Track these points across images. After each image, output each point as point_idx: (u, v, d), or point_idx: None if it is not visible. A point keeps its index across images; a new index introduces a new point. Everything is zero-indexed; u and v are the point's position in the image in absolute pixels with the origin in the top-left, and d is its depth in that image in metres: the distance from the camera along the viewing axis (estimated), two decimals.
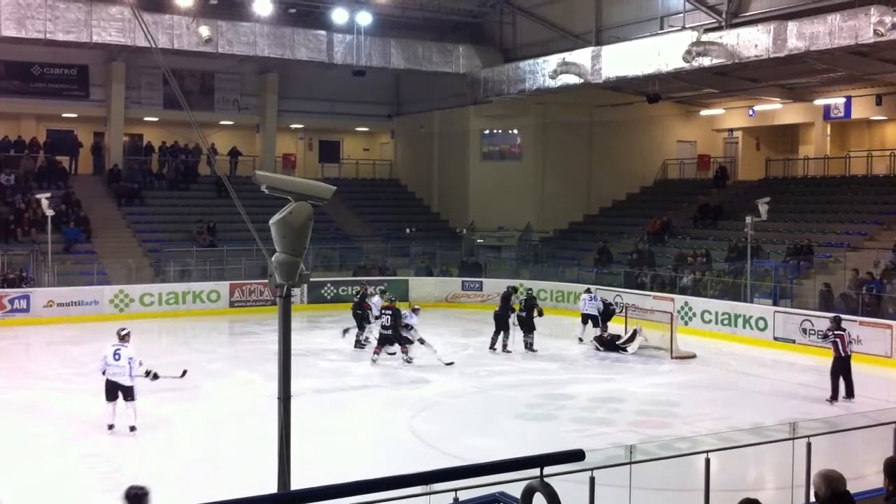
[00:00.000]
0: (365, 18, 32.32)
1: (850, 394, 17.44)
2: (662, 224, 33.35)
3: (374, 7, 32.63)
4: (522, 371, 20.68)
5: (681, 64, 26.81)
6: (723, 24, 26.39)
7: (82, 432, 14.77)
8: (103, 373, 14.71)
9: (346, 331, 23.14)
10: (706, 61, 26.33)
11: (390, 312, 21.11)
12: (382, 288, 24.90)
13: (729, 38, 25.66)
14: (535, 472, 5.40)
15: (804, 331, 22.75)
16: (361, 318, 23.09)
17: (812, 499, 5.86)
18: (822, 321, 22.47)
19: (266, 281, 26.63)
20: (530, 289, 25.86)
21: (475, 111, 37.57)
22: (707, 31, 26.41)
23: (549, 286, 30.21)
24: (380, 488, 5.20)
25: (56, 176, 34.35)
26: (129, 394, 14.61)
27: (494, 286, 31.56)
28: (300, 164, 41.10)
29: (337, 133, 43.13)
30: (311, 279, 27.14)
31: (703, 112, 39.13)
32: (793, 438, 9.44)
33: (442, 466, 5.85)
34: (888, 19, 21.80)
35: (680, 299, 26.55)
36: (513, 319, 22.80)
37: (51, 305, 27.24)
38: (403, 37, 34.34)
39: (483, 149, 38.59)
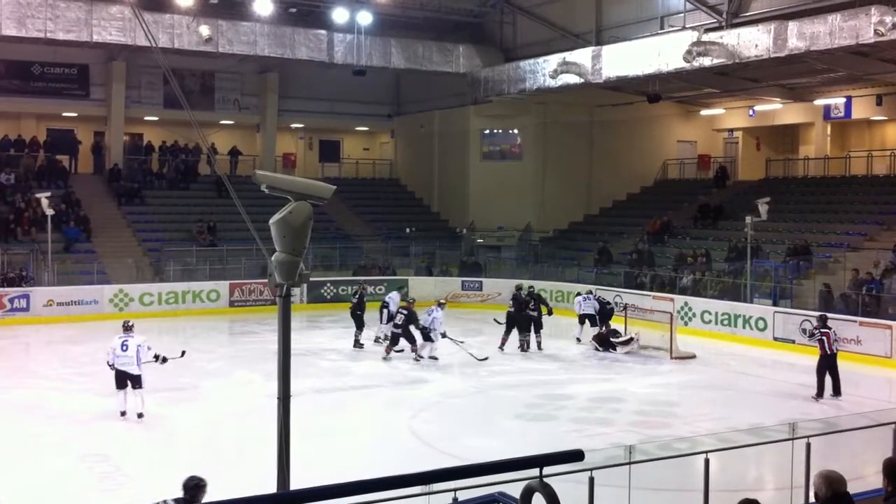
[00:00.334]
0: (365, 18, 32.31)
1: (836, 391, 17.55)
2: (662, 224, 33.34)
3: (375, 7, 32.62)
4: (522, 371, 20.68)
5: (681, 64, 26.80)
6: (723, 23, 26.38)
7: (82, 432, 14.77)
8: (111, 365, 15.44)
9: (377, 339, 23.16)
10: (706, 61, 26.32)
11: (406, 313, 21.41)
12: (401, 286, 25.32)
13: (729, 37, 25.65)
14: (535, 472, 5.40)
15: (804, 331, 22.72)
16: (361, 319, 23.13)
17: (812, 499, 5.86)
18: None
19: (266, 280, 26.62)
20: (532, 286, 25.81)
21: (475, 111, 37.56)
22: (707, 30, 26.40)
23: (549, 286, 30.18)
24: (379, 488, 5.20)
25: (56, 175, 34.34)
26: (137, 382, 15.35)
27: (494, 286, 31.62)
28: (300, 164, 41.10)
29: (337, 133, 43.14)
30: (311, 279, 27.16)
31: (704, 112, 39.13)
32: (792, 439, 9.44)
33: (441, 466, 5.85)
34: (888, 19, 21.79)
35: (680, 299, 26.55)
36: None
37: (51, 305, 27.24)
38: (404, 36, 34.33)
39: (483, 148, 38.59)
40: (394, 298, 23.18)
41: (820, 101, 33.78)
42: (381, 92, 41.27)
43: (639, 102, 33.70)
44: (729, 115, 38.66)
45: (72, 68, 35.44)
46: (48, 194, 28.82)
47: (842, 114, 33.42)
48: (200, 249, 31.92)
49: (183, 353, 16.35)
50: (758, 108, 36.42)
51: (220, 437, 14.65)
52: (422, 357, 21.19)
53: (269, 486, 6.17)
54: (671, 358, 21.78)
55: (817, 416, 15.16)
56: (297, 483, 5.89)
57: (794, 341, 22.96)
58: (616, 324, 23.81)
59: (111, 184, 35.11)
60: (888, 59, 26.25)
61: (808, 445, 9.12)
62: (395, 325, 21.55)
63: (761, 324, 24.17)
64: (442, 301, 22.67)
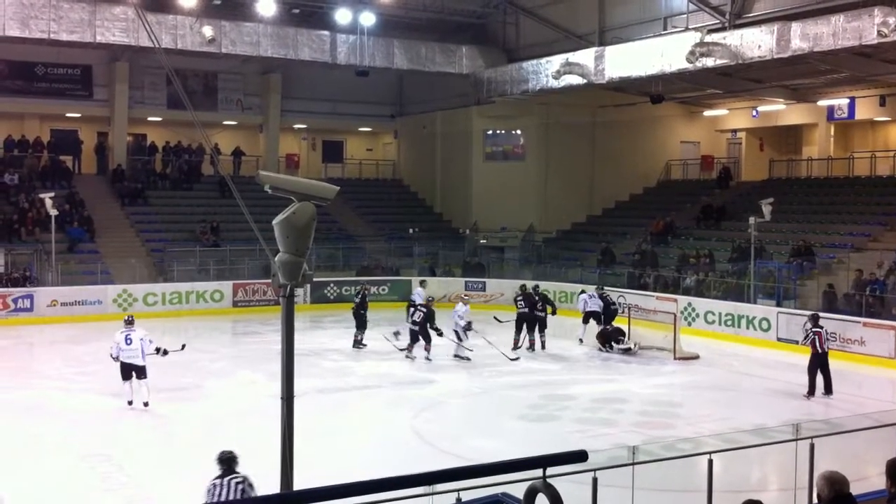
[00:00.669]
0: (368, 19, 32.33)
1: (828, 390, 17.65)
2: (665, 225, 33.31)
3: (378, 7, 32.63)
4: (525, 371, 20.66)
5: (684, 64, 26.79)
6: (726, 24, 26.36)
7: (85, 432, 14.80)
8: (115, 358, 16.19)
9: (396, 333, 23.21)
10: (709, 62, 26.31)
11: (424, 311, 21.57)
12: (422, 281, 25.96)
13: (732, 38, 25.64)
14: (538, 472, 5.39)
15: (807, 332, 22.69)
16: (363, 319, 23.16)
17: (815, 500, 5.85)
18: (825, 322, 22.41)
19: (269, 281, 26.66)
20: (537, 285, 25.77)
21: (478, 111, 37.56)
22: (710, 31, 26.39)
23: (552, 287, 30.14)
24: (382, 488, 5.20)
25: (60, 175, 34.39)
26: (142, 373, 16.11)
27: (498, 286, 31.59)
28: (303, 165, 41.12)
29: (340, 133, 43.15)
30: (314, 279, 27.13)
31: (707, 113, 39.10)
32: (796, 440, 9.44)
33: (444, 467, 5.85)
34: (892, 20, 21.76)
35: (683, 300, 26.51)
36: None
37: (54, 305, 27.28)
38: (407, 37, 34.33)
39: (486, 149, 38.60)
40: (420, 294, 23.41)
41: (823, 102, 33.75)
42: (384, 93, 41.28)
43: (642, 103, 33.69)
44: (732, 116, 38.63)
45: (75, 69, 35.49)
46: (52, 195, 28.86)
47: (845, 115, 33.39)
48: (204, 250, 31.95)
49: (183, 346, 17.34)
50: (761, 108, 36.38)
51: (223, 437, 14.60)
52: (430, 359, 21.30)
53: (273, 486, 6.18)
54: (675, 358, 21.76)
55: (821, 417, 15.15)
56: (300, 483, 5.89)
57: (797, 342, 22.88)
58: (619, 324, 23.78)
59: (115, 184, 35.15)
60: (891, 59, 26.23)
61: (812, 446, 9.11)
62: (414, 323, 21.67)
63: (765, 324, 24.15)
64: (465, 296, 22.72)
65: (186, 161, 37.39)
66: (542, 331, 23.15)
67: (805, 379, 17.85)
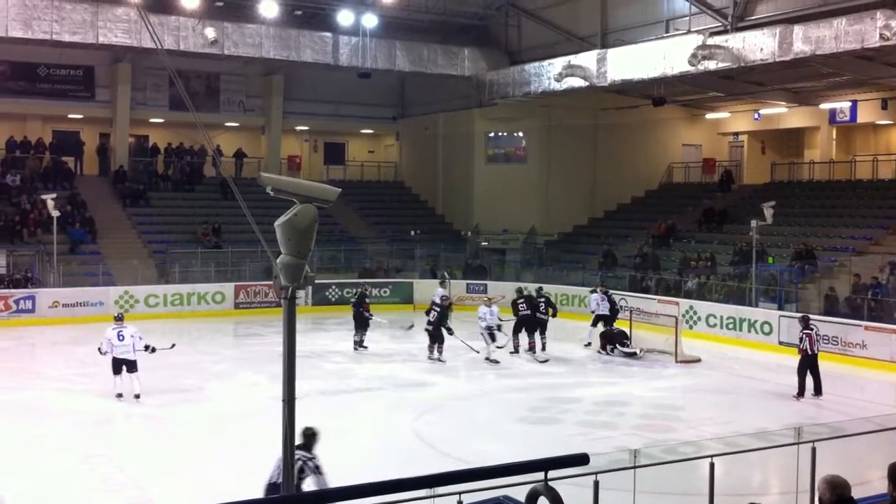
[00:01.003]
0: (370, 21, 32.35)
1: (817, 391, 17.79)
2: (667, 228, 33.30)
3: (380, 9, 32.66)
4: (527, 374, 20.66)
5: (686, 67, 26.80)
6: (728, 27, 26.36)
7: (86, 433, 14.81)
8: (103, 353, 17.02)
9: (410, 326, 23.30)
10: (712, 65, 26.32)
11: (438, 311, 21.75)
12: (442, 280, 26.26)
13: (734, 41, 25.64)
14: (540, 475, 5.39)
15: (819, 337, 22.67)
16: (364, 320, 23.16)
17: None
18: (827, 326, 22.49)
19: (271, 283, 26.69)
20: (540, 287, 25.74)
21: (480, 114, 37.56)
22: (713, 34, 26.41)
23: (554, 289, 30.08)
24: (383, 491, 5.19)
25: (62, 177, 34.42)
26: (133, 367, 16.87)
27: (499, 289, 31.55)
28: (305, 166, 41.14)
29: (342, 135, 43.16)
30: (316, 281, 27.17)
31: (709, 115, 39.10)
32: (798, 443, 9.43)
33: (446, 469, 5.84)
34: (894, 23, 21.76)
35: (685, 303, 26.48)
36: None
37: (56, 306, 27.28)
38: (409, 39, 34.35)
39: (488, 151, 38.60)
40: (440, 294, 23.70)
41: (825, 105, 33.75)
42: (385, 94, 41.31)
43: (644, 106, 33.70)
44: (734, 119, 38.63)
45: (77, 70, 35.52)
46: (54, 196, 28.87)
47: (847, 118, 33.38)
48: (205, 251, 31.95)
49: (173, 345, 18.10)
50: (763, 111, 36.37)
51: (225, 439, 14.65)
52: (442, 360, 21.40)
53: None
54: (676, 362, 21.74)
55: (822, 421, 15.13)
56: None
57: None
58: (621, 327, 23.77)
59: (116, 185, 35.17)
60: (893, 63, 26.21)
61: (814, 450, 9.09)
62: (429, 323, 21.75)
63: (766, 328, 24.13)
64: (487, 298, 22.69)
65: (188, 162, 37.42)
66: (542, 333, 23.13)
67: (810, 383, 17.88)
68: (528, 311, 23.05)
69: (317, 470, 8.84)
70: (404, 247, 35.70)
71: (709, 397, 18.60)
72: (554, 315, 23.61)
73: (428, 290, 32.08)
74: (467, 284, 32.40)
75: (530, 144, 38.18)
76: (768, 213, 25.30)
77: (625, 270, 30.77)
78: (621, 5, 31.27)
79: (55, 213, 28.16)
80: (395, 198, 41.27)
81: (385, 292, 31.43)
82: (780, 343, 23.50)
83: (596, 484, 7.34)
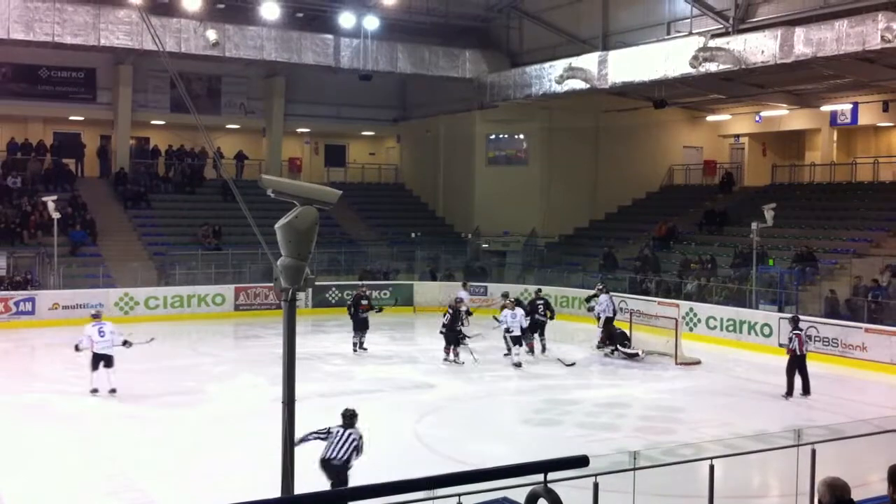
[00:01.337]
0: (372, 23, 32.34)
1: (806, 391, 18.04)
2: (668, 230, 33.29)
3: (381, 11, 32.65)
4: (527, 376, 20.65)
5: (687, 69, 26.79)
6: (730, 29, 26.36)
7: (86, 435, 14.82)
8: (77, 348, 17.70)
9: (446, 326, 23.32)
10: (713, 67, 26.31)
11: (451, 312, 21.78)
12: (465, 282, 26.28)
13: (736, 43, 25.64)
14: (539, 477, 5.40)
15: (809, 337, 22.67)
16: (359, 322, 23.17)
17: None
18: (827, 328, 22.51)
19: (271, 285, 26.70)
20: (539, 289, 25.77)
21: (481, 116, 37.57)
22: (714, 36, 26.40)
23: (555, 291, 30.14)
24: (383, 493, 5.20)
25: (62, 179, 34.43)
26: (110, 362, 17.50)
27: (500, 291, 31.55)
28: (306, 168, 41.16)
29: (343, 137, 43.18)
30: (316, 283, 27.19)
31: (710, 118, 39.11)
32: (797, 445, 9.44)
33: (446, 471, 5.85)
34: (895, 25, 21.77)
35: (685, 305, 26.48)
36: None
37: (56, 308, 27.28)
38: (410, 41, 34.35)
39: (489, 153, 38.61)
40: (464, 298, 23.61)
41: (826, 108, 33.76)
42: (387, 96, 41.32)
43: (645, 108, 33.70)
44: (735, 121, 38.64)
45: (79, 72, 35.55)
46: (54, 198, 28.90)
47: (848, 120, 33.39)
48: (206, 253, 31.95)
49: (151, 339, 18.65)
50: (764, 113, 36.39)
51: (225, 441, 14.66)
52: (459, 362, 21.40)
53: (274, 490, 6.19)
54: (676, 364, 21.75)
55: (822, 423, 15.13)
56: (301, 487, 5.90)
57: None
58: (621, 328, 23.79)
59: (117, 187, 35.18)
60: (895, 65, 26.21)
61: (813, 452, 9.10)
62: (443, 325, 21.75)
63: (766, 330, 24.12)
64: (510, 300, 22.60)
65: (189, 164, 37.45)
66: (541, 335, 23.18)
67: (811, 385, 17.90)
68: (537, 315, 23.13)
69: (361, 444, 10.62)
70: (405, 249, 35.71)
71: (709, 399, 18.60)
72: (552, 317, 23.63)
73: (428, 291, 32.26)
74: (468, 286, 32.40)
75: (531, 146, 38.19)
76: (769, 215, 25.31)
77: (625, 272, 30.78)
78: (622, 8, 31.28)
79: (56, 215, 28.17)
80: (396, 200, 41.27)
81: (385, 294, 31.43)
82: (781, 345, 23.32)
83: (596, 486, 7.35)
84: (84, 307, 27.52)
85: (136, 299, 28.48)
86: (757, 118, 36.93)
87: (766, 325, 24.17)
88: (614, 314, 24.32)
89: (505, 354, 22.02)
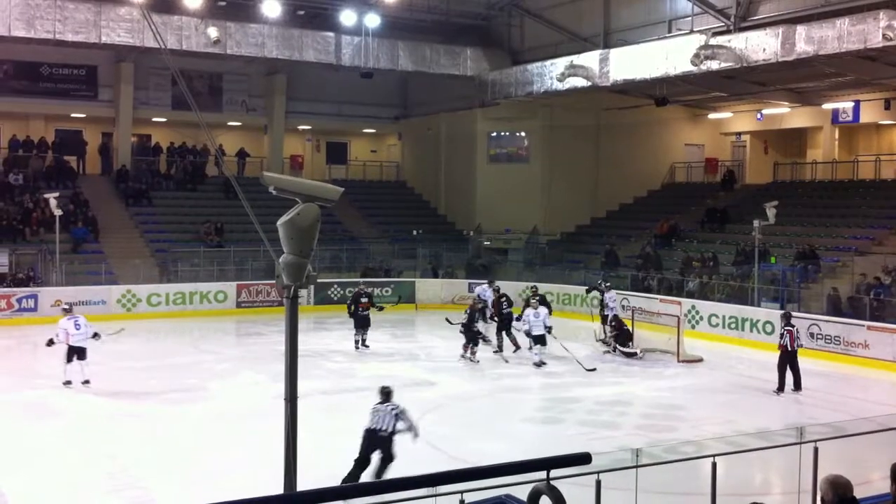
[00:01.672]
0: (373, 20, 32.32)
1: (797, 386, 18.21)
2: (670, 227, 33.29)
3: (383, 9, 32.63)
4: (529, 374, 20.65)
5: (689, 67, 26.77)
6: (731, 27, 26.34)
7: (88, 432, 14.83)
8: (51, 343, 17.98)
9: (485, 339, 23.25)
10: (714, 65, 26.29)
11: (468, 311, 21.77)
12: (490, 280, 26.11)
13: (737, 41, 25.62)
14: (542, 475, 5.40)
15: (811, 335, 22.69)
16: (359, 319, 23.17)
17: None
18: (829, 325, 22.51)
19: (273, 282, 26.73)
20: (535, 286, 25.83)
21: (482, 113, 37.56)
22: (715, 34, 26.38)
23: (556, 289, 30.16)
24: (385, 490, 5.21)
25: (64, 176, 34.45)
26: (84, 354, 17.95)
27: (501, 288, 31.54)
28: (307, 166, 41.15)
29: (344, 135, 43.18)
30: (318, 280, 27.17)
31: (711, 115, 39.08)
32: (800, 443, 9.44)
33: (447, 469, 5.85)
34: None
35: (687, 303, 26.49)
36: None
37: (58, 305, 27.20)
38: (411, 39, 34.33)
39: (490, 151, 38.60)
40: (488, 294, 23.82)
41: (828, 105, 33.72)
42: (388, 94, 41.31)
43: (646, 106, 33.68)
44: (737, 119, 38.62)
45: (80, 69, 35.55)
46: (56, 195, 28.92)
47: (850, 118, 33.36)
48: (208, 250, 31.98)
49: (120, 329, 19.59)
50: (766, 111, 36.36)
51: (227, 438, 14.66)
52: (475, 360, 21.32)
53: (277, 488, 6.19)
54: (678, 361, 21.74)
55: (825, 421, 15.12)
56: (303, 484, 5.90)
57: (801, 345, 22.87)
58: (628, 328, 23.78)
59: (119, 185, 35.20)
60: None
61: (816, 450, 9.09)
62: (461, 324, 21.73)
63: (769, 327, 24.09)
64: (533, 300, 22.55)
65: (191, 162, 37.45)
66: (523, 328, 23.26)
67: (813, 382, 18.01)
68: (508, 310, 23.18)
69: (403, 413, 11.88)
70: (406, 246, 35.70)
71: (711, 397, 18.59)
72: (549, 314, 23.56)
73: (430, 288, 32.28)
74: (469, 284, 32.40)
75: (532, 144, 38.18)
76: (771, 212, 25.29)
77: (627, 270, 30.77)
78: (624, 5, 31.24)
79: (58, 213, 28.18)
80: (398, 197, 41.27)
81: (387, 291, 31.44)
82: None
83: (598, 483, 7.34)
84: (86, 304, 27.54)
85: (138, 296, 28.50)
86: (758, 116, 36.91)
87: (768, 322, 24.15)
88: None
89: (514, 351, 22.06)
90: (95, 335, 18.19)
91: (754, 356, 23.06)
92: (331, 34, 32.49)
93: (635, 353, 22.50)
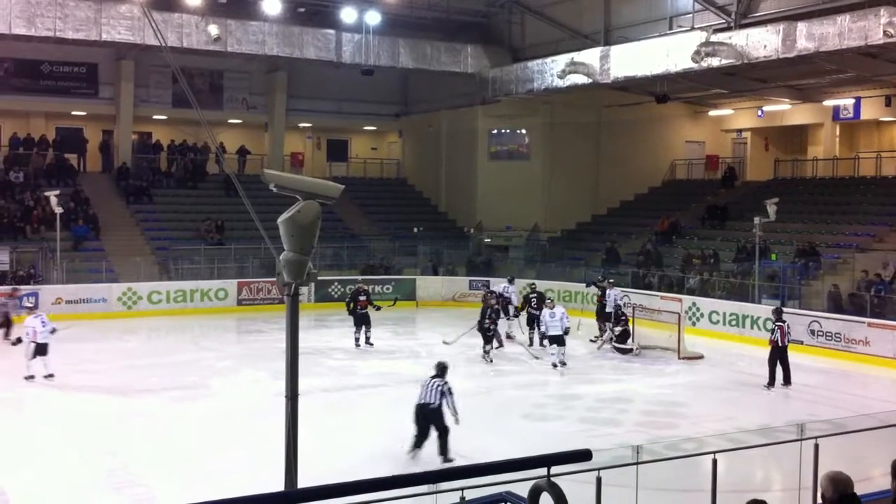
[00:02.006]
0: (373, 18, 32.32)
1: (786, 381, 18.46)
2: (670, 224, 33.28)
3: (383, 6, 32.63)
4: (530, 371, 20.66)
5: (689, 64, 26.76)
6: (732, 24, 26.32)
7: (89, 429, 14.84)
8: (19, 341, 18.72)
9: (509, 336, 23.46)
10: (715, 62, 26.27)
11: (481, 309, 21.76)
12: (511, 277, 26.25)
13: (738, 38, 25.60)
14: (542, 471, 5.40)
15: (812, 332, 22.70)
16: (359, 317, 23.18)
17: (819, 501, 5.85)
18: (830, 322, 22.51)
19: (274, 279, 26.72)
20: (534, 284, 25.83)
21: (483, 111, 37.55)
22: (716, 31, 26.35)
23: (557, 286, 30.16)
24: (386, 487, 5.21)
25: (65, 173, 34.47)
26: (46, 350, 18.49)
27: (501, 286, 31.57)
28: (308, 163, 41.15)
29: (345, 132, 43.18)
30: (319, 278, 27.20)
31: (712, 112, 39.06)
32: (800, 440, 9.44)
33: (448, 465, 5.85)
34: None
35: (687, 300, 26.51)
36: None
37: (59, 303, 27.29)
38: (412, 36, 34.33)
39: (491, 148, 38.59)
40: (511, 291, 24.02)
41: (829, 102, 33.69)
42: (389, 92, 41.30)
43: (647, 103, 33.66)
44: (737, 116, 38.59)
45: (81, 67, 35.55)
46: (57, 192, 28.96)
47: (851, 115, 33.31)
48: (209, 248, 31.99)
49: (70, 325, 20.63)
50: (766, 108, 36.33)
51: (228, 436, 14.67)
52: (489, 361, 21.18)
53: (277, 485, 6.19)
54: (679, 358, 21.75)
55: (825, 418, 15.13)
56: (303, 481, 5.90)
57: (802, 342, 22.91)
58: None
59: (120, 182, 35.21)
60: None
61: (816, 446, 9.10)
62: (478, 322, 21.66)
63: (769, 325, 24.02)
64: (549, 299, 22.46)
65: (191, 159, 37.45)
66: (539, 328, 23.20)
67: (813, 379, 18.06)
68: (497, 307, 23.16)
69: (450, 391, 12.95)
70: (407, 244, 35.70)
71: (711, 394, 18.60)
72: (565, 314, 23.51)
73: (431, 286, 32.29)
74: (469, 281, 32.45)
75: (533, 141, 38.16)
76: (771, 209, 25.30)
77: (628, 267, 30.76)
78: (625, 2, 31.22)
79: (58, 210, 28.22)
80: (398, 195, 41.26)
81: (387, 289, 31.45)
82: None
83: (598, 480, 7.35)
84: (87, 302, 27.67)
85: (139, 294, 28.51)
86: (759, 113, 36.87)
87: (769, 319, 24.04)
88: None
89: (496, 348, 22.03)
90: (54, 330, 18.75)
91: (755, 353, 22.99)
92: (331, 31, 32.49)
93: (630, 350, 22.50)
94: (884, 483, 6.55)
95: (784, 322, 18.91)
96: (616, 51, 29.77)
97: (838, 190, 32.35)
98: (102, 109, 36.30)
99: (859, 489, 5.74)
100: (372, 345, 23.15)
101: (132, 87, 35.88)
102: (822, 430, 10.03)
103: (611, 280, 25.67)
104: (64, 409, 16.31)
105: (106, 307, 27.63)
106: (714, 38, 26.12)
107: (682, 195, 36.79)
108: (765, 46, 24.83)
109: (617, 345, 22.83)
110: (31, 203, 31.34)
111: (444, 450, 13.05)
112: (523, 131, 38.52)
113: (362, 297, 23.37)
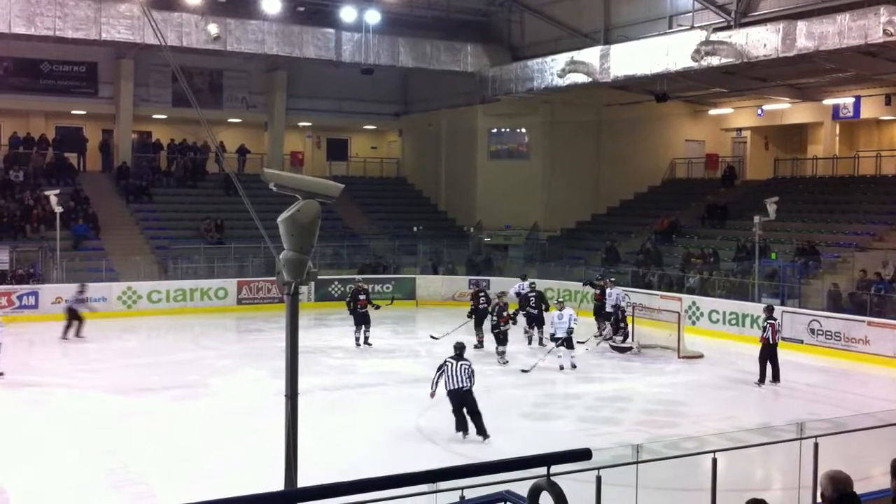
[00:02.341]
0: (373, 17, 32.31)
1: (776, 378, 18.61)
2: (670, 223, 33.28)
3: (383, 5, 32.62)
4: (529, 371, 20.63)
5: (689, 63, 26.75)
6: (732, 23, 26.32)
7: (89, 428, 14.84)
8: None
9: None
10: (715, 61, 26.27)
11: (496, 311, 21.62)
12: (524, 275, 26.29)
13: (738, 37, 25.60)
14: (542, 470, 5.40)
15: (812, 331, 22.71)
16: (359, 316, 23.18)
17: (819, 500, 5.85)
18: (830, 321, 22.52)
19: (274, 278, 26.74)
20: (534, 283, 25.83)
21: (483, 110, 37.55)
22: (716, 30, 26.35)
23: (557, 285, 30.17)
24: (386, 486, 5.21)
25: (65, 172, 34.46)
26: None
27: (502, 284, 31.53)
28: (308, 162, 41.16)
29: (345, 131, 43.19)
30: (319, 277, 27.18)
31: (712, 111, 39.05)
32: (800, 439, 9.44)
33: (448, 465, 5.85)
34: None
35: (687, 299, 26.51)
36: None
37: (59, 302, 27.25)
38: (412, 35, 34.32)
39: (491, 147, 38.58)
40: (526, 287, 24.06)
41: (829, 101, 33.69)
42: (388, 91, 41.30)
43: (647, 102, 33.66)
44: (737, 115, 38.59)
45: (80, 66, 35.55)
46: (57, 192, 28.95)
47: (850, 113, 33.32)
48: (208, 247, 32.00)
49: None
50: (766, 107, 36.33)
51: (228, 434, 14.68)
52: (503, 361, 21.03)
53: (277, 484, 6.20)
54: (679, 357, 21.75)
55: (825, 417, 15.14)
56: (304, 480, 5.90)
57: (802, 341, 22.94)
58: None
59: (119, 181, 35.21)
60: None
61: (816, 445, 9.10)
62: (492, 324, 21.58)
63: (761, 322, 24.05)
64: (560, 300, 22.34)
65: (191, 159, 37.44)
66: (539, 327, 23.22)
67: (814, 378, 18.07)
68: (484, 305, 23.19)
69: (474, 372, 14.04)
70: (407, 243, 35.71)
71: (711, 393, 18.61)
72: (546, 309, 23.51)
73: (430, 285, 32.29)
74: (469, 280, 32.44)
75: (533, 140, 38.16)
76: (771, 208, 25.31)
77: (627, 266, 30.76)
78: (624, 1, 31.20)
79: (58, 209, 28.22)
80: (398, 194, 41.27)
81: (387, 288, 31.45)
82: (783, 339, 23.43)
83: (598, 479, 7.35)
84: (87, 301, 27.58)
85: (139, 293, 28.52)
86: (759, 112, 36.88)
87: (761, 317, 24.12)
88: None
89: (474, 346, 21.93)
90: None
91: (755, 352, 22.95)
92: (331, 31, 32.49)
93: (630, 348, 22.50)
94: (883, 482, 6.55)
95: (775, 320, 19.10)
96: (616, 50, 29.77)
97: (838, 189, 32.35)
98: (102, 108, 36.29)
99: (859, 488, 5.73)
100: (371, 345, 23.14)
101: (132, 86, 35.88)
102: (822, 429, 10.03)
103: (612, 279, 25.65)
104: (64, 408, 16.31)
105: (106, 306, 27.61)
106: (714, 37, 26.11)
107: (682, 194, 36.79)
108: (764, 45, 24.82)
109: (614, 343, 22.82)
110: (30, 202, 31.33)
111: (481, 429, 13.83)
112: (523, 130, 38.52)
113: (362, 297, 23.36)
